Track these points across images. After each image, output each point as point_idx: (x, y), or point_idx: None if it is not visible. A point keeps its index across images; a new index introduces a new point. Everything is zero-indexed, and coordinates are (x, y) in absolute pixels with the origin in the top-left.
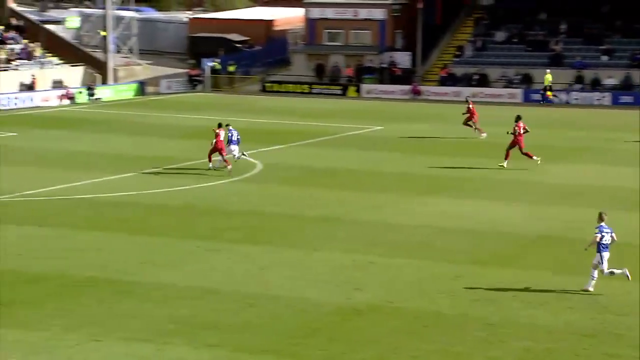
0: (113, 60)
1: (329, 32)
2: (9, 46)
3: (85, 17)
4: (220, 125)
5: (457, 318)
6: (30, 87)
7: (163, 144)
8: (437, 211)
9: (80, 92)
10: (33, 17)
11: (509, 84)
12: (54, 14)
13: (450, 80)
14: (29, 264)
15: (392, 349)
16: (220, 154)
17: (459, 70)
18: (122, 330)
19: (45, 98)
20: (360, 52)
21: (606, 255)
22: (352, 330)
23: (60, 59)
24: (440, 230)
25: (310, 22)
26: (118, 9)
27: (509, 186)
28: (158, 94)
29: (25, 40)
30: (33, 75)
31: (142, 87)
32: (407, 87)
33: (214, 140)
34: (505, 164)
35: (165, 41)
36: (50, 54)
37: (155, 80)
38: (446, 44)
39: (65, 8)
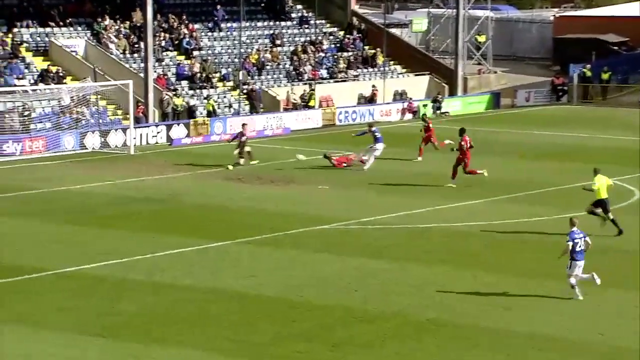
0: (463, 68)
1: None
2: (347, 54)
3: (433, 19)
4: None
5: None
6: (370, 100)
7: (517, 165)
8: None
9: (425, 105)
10: (376, 20)
11: None
12: (399, 15)
13: None
14: (363, 300)
15: None
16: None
17: None
18: None
19: (386, 112)
20: None
21: (580, 263)
22: None
23: (404, 67)
24: None
25: None
26: (472, 9)
27: None
28: (514, 106)
29: (367, 47)
30: (374, 86)
31: (495, 99)
32: None
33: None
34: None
35: (525, 44)
36: (392, 62)
37: (511, 91)
38: None
39: (413, 9)
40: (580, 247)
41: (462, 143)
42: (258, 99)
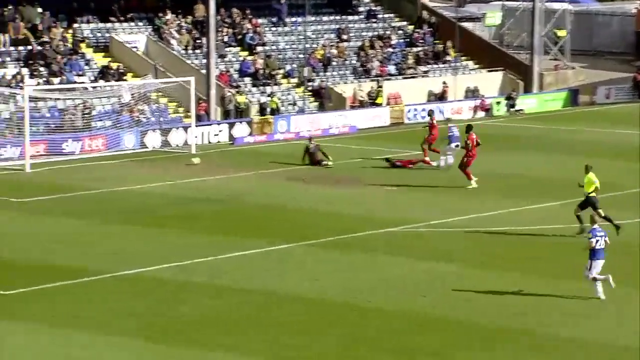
0: (539, 64)
1: None
2: (416, 49)
3: (507, 12)
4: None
5: None
6: (440, 97)
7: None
8: None
9: (498, 103)
10: (447, 14)
11: None
12: (472, 8)
13: None
14: (431, 306)
15: None
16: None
17: None
18: None
19: (457, 109)
20: None
21: (600, 262)
22: None
23: (476, 63)
24: None
25: None
26: (549, 1)
27: None
28: (593, 104)
29: (437, 42)
30: (444, 83)
31: (573, 96)
32: None
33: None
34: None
35: (605, 38)
36: (464, 57)
37: (590, 88)
38: None
39: (486, 2)
40: (600, 245)
41: (468, 141)
42: (327, 97)
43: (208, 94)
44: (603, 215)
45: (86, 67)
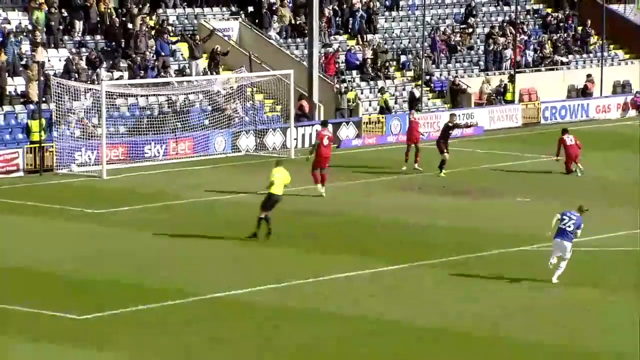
0: None
1: None
2: (556, 36)
3: None
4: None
5: None
6: (583, 93)
7: None
8: None
9: None
10: None
11: None
12: None
13: None
14: (571, 337)
15: None
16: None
17: None
18: None
19: (603, 107)
20: None
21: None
22: None
23: (627, 53)
24: None
25: None
26: None
27: None
28: None
29: (580, 27)
30: (589, 76)
31: None
32: None
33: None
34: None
35: None
36: (613, 45)
37: None
38: None
39: None
40: (565, 226)
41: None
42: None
43: (310, 89)
44: None
45: (171, 59)
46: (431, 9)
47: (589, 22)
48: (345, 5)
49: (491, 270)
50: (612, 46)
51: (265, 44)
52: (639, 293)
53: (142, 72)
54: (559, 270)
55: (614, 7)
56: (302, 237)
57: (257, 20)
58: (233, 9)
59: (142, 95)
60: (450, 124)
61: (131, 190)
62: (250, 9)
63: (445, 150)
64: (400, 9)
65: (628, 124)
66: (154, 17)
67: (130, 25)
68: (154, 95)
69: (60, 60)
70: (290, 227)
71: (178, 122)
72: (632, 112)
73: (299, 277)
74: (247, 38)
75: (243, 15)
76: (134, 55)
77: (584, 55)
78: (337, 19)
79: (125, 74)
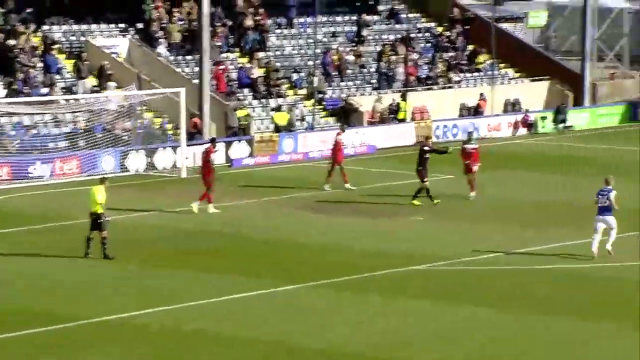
0: (591, 72)
1: None
2: (447, 54)
3: (555, 11)
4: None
5: None
6: (475, 111)
7: None
8: None
9: (544, 118)
10: (483, 14)
11: None
12: (512, 7)
13: None
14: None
15: None
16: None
17: None
18: None
19: (494, 126)
20: None
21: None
22: None
23: (517, 71)
24: None
25: None
26: None
27: None
28: None
29: (471, 46)
30: (482, 94)
31: (632, 110)
32: None
33: None
34: None
35: None
36: (503, 64)
37: None
38: None
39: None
40: (604, 203)
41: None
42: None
43: (200, 108)
44: None
45: (57, 77)
46: (322, 27)
47: (480, 41)
48: (236, 23)
49: (387, 289)
50: (502, 65)
51: (155, 61)
52: (554, 314)
53: (27, 89)
54: (611, 238)
55: (504, 25)
56: (193, 257)
57: (147, 38)
58: (122, 25)
59: (26, 114)
60: (426, 148)
61: (17, 211)
62: (140, 25)
63: (425, 179)
64: (292, 26)
65: (518, 142)
66: (39, 34)
67: (13, 42)
68: (40, 113)
69: None
70: (180, 247)
71: (65, 140)
72: (523, 131)
73: (192, 299)
74: (136, 55)
75: (132, 32)
76: (18, 73)
77: (475, 74)
78: (229, 36)
79: (4, 92)
